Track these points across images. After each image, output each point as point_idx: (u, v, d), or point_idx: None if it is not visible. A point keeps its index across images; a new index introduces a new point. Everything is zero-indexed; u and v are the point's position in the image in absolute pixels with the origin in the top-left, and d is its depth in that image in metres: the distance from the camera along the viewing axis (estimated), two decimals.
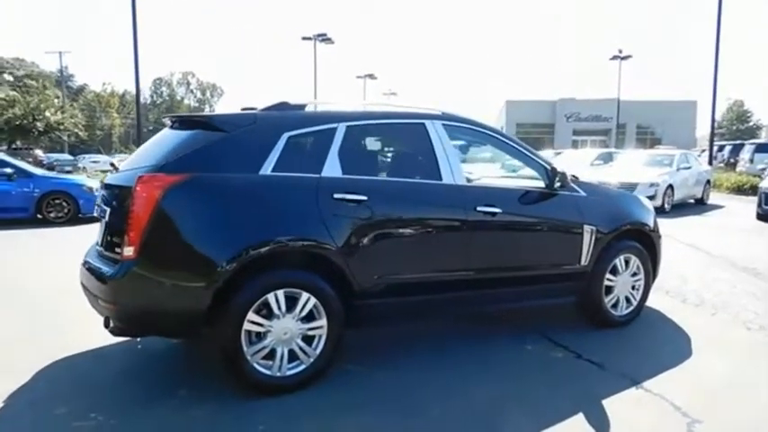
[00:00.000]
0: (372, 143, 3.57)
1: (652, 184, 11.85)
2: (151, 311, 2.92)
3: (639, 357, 3.76)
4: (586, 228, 4.08)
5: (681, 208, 12.92)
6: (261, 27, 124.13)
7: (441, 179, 3.59)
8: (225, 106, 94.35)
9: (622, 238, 4.34)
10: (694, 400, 3.11)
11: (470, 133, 4.03)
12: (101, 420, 2.82)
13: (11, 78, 57.15)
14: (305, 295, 3.11)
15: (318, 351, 3.19)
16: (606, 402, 3.08)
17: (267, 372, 3.06)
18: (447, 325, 4.34)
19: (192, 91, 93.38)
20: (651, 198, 11.70)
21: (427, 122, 3.68)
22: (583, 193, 4.17)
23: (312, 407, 2.98)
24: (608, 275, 4.26)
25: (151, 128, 77.97)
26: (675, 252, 7.54)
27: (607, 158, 16.03)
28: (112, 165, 11.59)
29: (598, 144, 43.41)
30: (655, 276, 4.60)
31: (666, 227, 10.59)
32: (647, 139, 45.39)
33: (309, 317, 3.16)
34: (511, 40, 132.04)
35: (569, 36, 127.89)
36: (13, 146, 32.45)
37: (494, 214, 3.69)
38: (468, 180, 3.76)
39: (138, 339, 3.83)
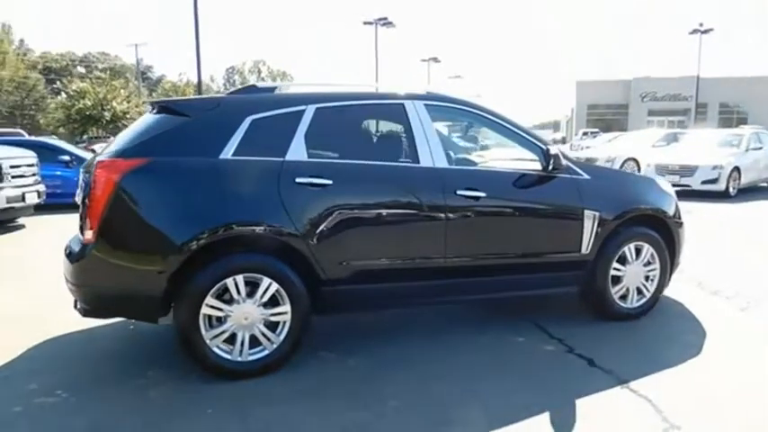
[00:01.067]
0: (344, 125, 3.43)
1: (715, 167, 10.95)
2: (110, 294, 2.97)
3: (637, 354, 3.46)
4: (587, 213, 3.79)
5: (750, 192, 11.90)
6: (325, 12, 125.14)
7: (418, 161, 3.43)
8: None
9: (632, 224, 4.00)
10: (682, 404, 2.82)
11: (457, 113, 3.82)
12: (63, 397, 2.91)
13: (83, 70, 61.01)
14: (266, 280, 3.07)
15: (282, 337, 3.14)
16: (581, 401, 2.86)
17: (228, 356, 3.05)
18: (439, 312, 4.20)
19: (263, 78, 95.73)
20: (713, 182, 10.88)
21: (407, 103, 3.52)
22: (585, 176, 3.87)
23: (268, 392, 2.94)
24: (615, 265, 3.94)
25: None
26: (723, 239, 6.97)
27: (671, 139, 14.94)
28: (93, 150, 11.90)
29: (676, 125, 40.81)
30: (673, 267, 4.22)
31: (725, 213, 9.98)
32: (733, 118, 42.14)
33: (273, 302, 3.12)
34: (580, 19, 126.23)
35: (644, 12, 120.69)
36: (90, 134, 34.76)
37: (477, 198, 3.49)
38: (467, 162, 3.58)
39: (133, 321, 3.94)
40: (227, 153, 3.07)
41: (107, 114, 35.66)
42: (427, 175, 3.41)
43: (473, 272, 3.57)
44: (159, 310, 2.98)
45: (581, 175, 3.86)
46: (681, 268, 4.48)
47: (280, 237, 3.08)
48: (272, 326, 3.14)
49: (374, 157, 3.40)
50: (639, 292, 4.09)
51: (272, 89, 3.45)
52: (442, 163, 3.48)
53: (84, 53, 71.54)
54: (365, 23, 35.43)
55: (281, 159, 3.14)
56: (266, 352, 3.13)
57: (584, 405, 2.82)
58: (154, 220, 2.93)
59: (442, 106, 3.69)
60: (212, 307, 2.99)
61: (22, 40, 66.62)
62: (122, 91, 39.51)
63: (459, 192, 3.43)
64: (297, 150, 3.19)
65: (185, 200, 2.97)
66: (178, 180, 2.99)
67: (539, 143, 3.79)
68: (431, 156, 3.45)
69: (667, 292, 4.37)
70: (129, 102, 37.01)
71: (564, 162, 3.67)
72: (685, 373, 3.21)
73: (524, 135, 3.82)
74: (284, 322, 3.14)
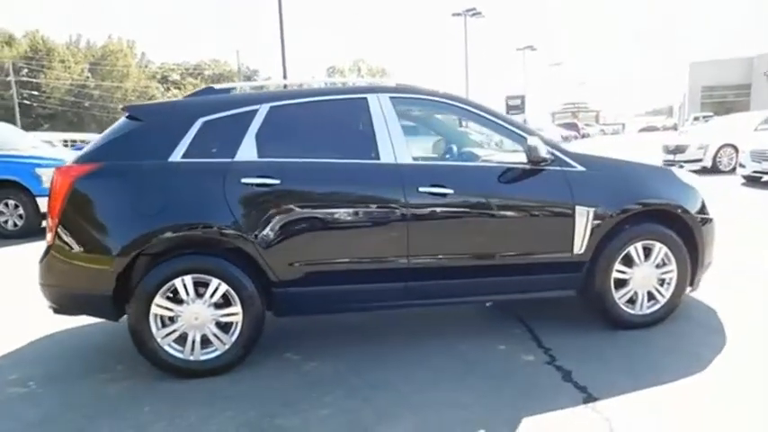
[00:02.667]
0: (301, 123, 3.34)
1: None
2: (69, 294, 3.11)
3: (627, 368, 3.06)
4: (579, 209, 3.42)
5: None
6: (417, 7, 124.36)
7: (378, 158, 3.27)
8: None
9: (639, 220, 3.57)
10: (650, 429, 2.46)
11: (428, 104, 3.59)
12: (32, 389, 3.09)
13: (177, 77, 65.66)
14: (215, 281, 3.07)
15: (234, 338, 3.13)
16: (530, 419, 2.58)
17: (180, 355, 3.09)
18: (430, 315, 3.99)
19: (362, 76, 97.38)
20: None
21: (370, 97, 3.36)
22: (579, 168, 3.49)
23: (210, 394, 2.93)
24: (618, 266, 3.53)
25: None
26: None
27: None
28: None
29: None
30: (698, 269, 3.70)
31: None
32: None
33: (226, 303, 3.12)
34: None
35: None
36: None
37: (444, 195, 3.26)
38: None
39: None
40: (177, 155, 3.10)
41: None
42: (386, 172, 3.24)
43: (442, 274, 3.34)
44: (114, 309, 3.08)
45: (574, 167, 3.49)
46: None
47: (225, 238, 3.07)
48: (225, 327, 3.14)
49: (332, 155, 3.28)
50: (652, 297, 3.64)
51: (229, 90, 3.45)
52: (404, 159, 3.29)
53: (197, 61, 76.79)
54: (454, 15, 34.91)
55: (230, 160, 3.13)
56: (218, 352, 3.13)
57: (530, 424, 2.55)
58: (102, 223, 3.03)
59: (410, 98, 3.50)
60: (162, 307, 3.04)
61: (143, 53, 72.81)
62: None
63: (421, 189, 3.23)
64: (247, 150, 3.16)
65: (132, 203, 3.04)
66: (126, 183, 3.06)
67: (522, 133, 3.48)
68: (393, 151, 3.27)
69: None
70: None
71: (543, 154, 3.32)
72: (675, 393, 2.79)
73: (505, 125, 3.52)
74: (236, 323, 3.13)
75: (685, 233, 3.64)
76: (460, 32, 35.22)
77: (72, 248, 3.04)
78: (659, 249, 3.58)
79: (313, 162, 3.21)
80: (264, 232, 3.09)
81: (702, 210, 3.71)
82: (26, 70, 56.88)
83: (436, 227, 3.30)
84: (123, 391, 3.01)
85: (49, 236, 3.08)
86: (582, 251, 3.45)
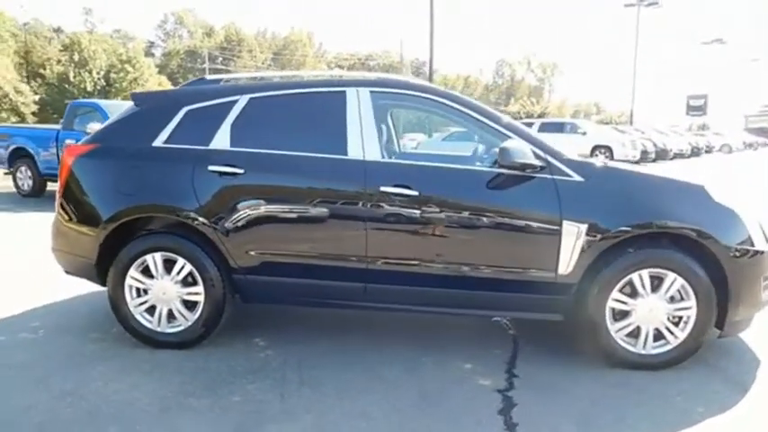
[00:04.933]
0: (277, 115, 3.33)
1: None
2: (68, 259, 3.51)
3: (583, 415, 2.65)
4: (568, 225, 3.00)
5: None
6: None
7: (346, 153, 3.18)
8: (564, 85, 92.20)
9: (648, 244, 3.04)
10: None
11: (411, 100, 3.35)
12: (39, 336, 3.56)
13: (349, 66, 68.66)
14: (181, 261, 3.25)
15: (197, 316, 3.30)
16: None
17: (149, 325, 3.33)
18: (421, 319, 3.80)
19: (532, 71, 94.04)
20: None
21: (349, 90, 3.27)
22: (576, 178, 3.06)
23: (156, 364, 3.11)
24: (617, 294, 3.05)
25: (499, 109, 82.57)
26: None
27: None
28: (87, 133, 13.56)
29: None
30: (731, 311, 3.05)
31: None
32: None
33: (192, 283, 3.29)
34: None
35: None
36: None
37: (408, 197, 3.08)
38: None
39: None
40: (159, 141, 3.32)
41: None
42: (350, 169, 3.14)
43: (404, 279, 3.16)
44: (100, 275, 3.42)
45: (569, 176, 3.07)
46: None
47: (190, 221, 3.22)
48: (190, 305, 3.32)
49: (303, 148, 3.24)
50: (661, 335, 3.09)
51: (218, 81, 3.58)
52: (373, 155, 3.16)
53: (368, 52, 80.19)
54: (627, 6, 32.11)
55: (204, 148, 3.27)
56: (181, 328, 3.31)
57: None
58: (89, 198, 3.35)
59: (392, 93, 3.34)
60: (135, 279, 3.29)
61: (321, 44, 77.87)
62: None
63: (383, 188, 3.08)
64: (221, 139, 3.27)
65: (116, 181, 3.31)
66: (113, 164, 3.35)
67: (508, 134, 3.14)
68: (362, 147, 3.17)
69: None
70: None
71: (519, 159, 2.96)
72: None
73: (490, 124, 3.20)
74: (199, 303, 3.29)
75: (714, 266, 3.02)
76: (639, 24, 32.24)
77: (69, 218, 3.43)
78: (673, 281, 3.02)
79: (278, 154, 3.23)
80: (225, 219, 3.19)
81: (743, 238, 3.04)
82: (221, 59, 64.03)
83: (397, 229, 3.13)
84: (97, 351, 3.33)
85: (56, 205, 3.51)
86: (569, 272, 3.04)
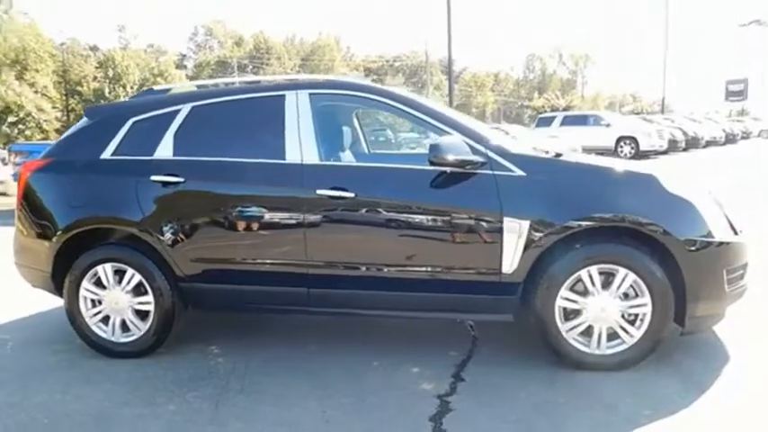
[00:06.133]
0: (217, 122, 3.31)
1: None
2: (28, 272, 3.57)
3: (522, 422, 2.55)
4: (509, 222, 2.90)
5: None
6: None
7: (284, 157, 3.15)
8: (596, 78, 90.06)
9: (596, 239, 2.91)
10: None
11: (351, 100, 3.30)
12: (6, 350, 3.66)
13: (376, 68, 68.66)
14: (130, 271, 3.28)
15: (148, 325, 3.32)
16: None
17: (104, 335, 3.36)
18: (380, 323, 3.73)
19: (563, 63, 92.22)
20: None
21: (288, 94, 3.24)
22: (517, 172, 2.95)
23: (104, 374, 3.14)
24: (566, 292, 2.93)
25: (519, 104, 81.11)
26: None
27: None
28: None
29: None
30: (686, 308, 2.89)
31: None
32: None
33: (143, 292, 3.32)
34: None
35: None
36: None
37: (344, 199, 3.03)
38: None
39: None
40: (107, 153, 3.36)
41: None
42: (288, 173, 3.11)
43: (345, 283, 3.11)
44: (58, 289, 3.47)
45: (511, 171, 2.96)
46: None
47: (135, 231, 3.25)
48: (142, 314, 3.34)
49: (243, 154, 3.22)
50: (616, 335, 2.95)
51: (166, 91, 3.60)
52: (311, 159, 3.12)
53: (396, 53, 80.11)
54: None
55: (148, 158, 3.29)
56: (134, 337, 3.34)
57: None
58: (43, 211, 3.41)
59: (331, 94, 3.29)
60: (88, 290, 3.34)
61: (348, 47, 78.28)
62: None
63: (319, 191, 3.04)
64: (164, 149, 3.29)
65: (66, 195, 3.37)
66: (64, 178, 3.41)
67: (447, 129, 3.05)
68: (299, 150, 3.13)
69: None
70: None
71: (450, 156, 2.87)
72: None
73: (432, 122, 3.11)
74: (150, 312, 3.31)
75: (668, 259, 2.86)
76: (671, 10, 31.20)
77: (26, 232, 3.50)
78: (624, 277, 2.88)
79: (216, 161, 3.22)
80: (168, 228, 3.20)
81: (700, 230, 2.88)
82: (251, 67, 65.09)
83: (335, 232, 3.09)
84: (55, 363, 3.37)
85: (15, 220, 3.59)
86: (513, 271, 2.93)
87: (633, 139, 18.37)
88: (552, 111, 23.79)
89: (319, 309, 3.20)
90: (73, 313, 3.37)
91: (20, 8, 36.12)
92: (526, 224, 2.89)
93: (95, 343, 3.38)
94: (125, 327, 3.36)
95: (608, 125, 19.11)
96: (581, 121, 19.82)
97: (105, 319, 3.37)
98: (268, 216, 3.13)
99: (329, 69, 68.02)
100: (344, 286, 3.11)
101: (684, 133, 21.43)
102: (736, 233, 3.07)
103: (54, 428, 2.63)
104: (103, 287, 3.33)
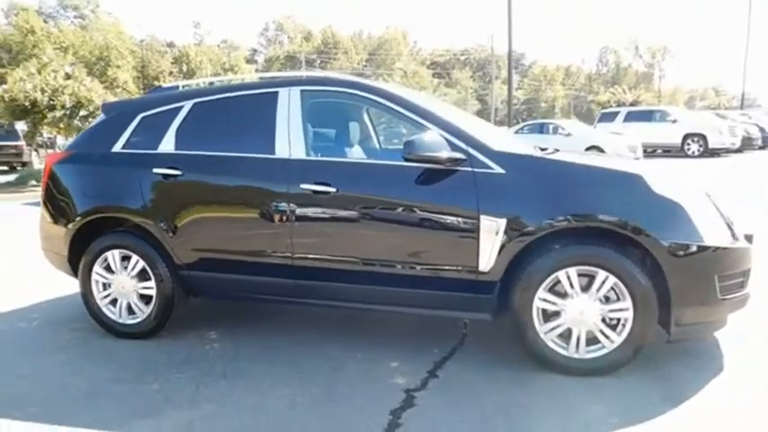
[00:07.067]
0: (216, 118, 3.44)
1: None
2: (51, 256, 3.87)
3: (491, 421, 2.55)
4: (486, 220, 2.88)
5: None
6: None
7: (274, 152, 3.26)
8: (675, 71, 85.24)
9: (575, 240, 2.84)
10: None
11: (342, 96, 3.33)
12: (32, 326, 3.97)
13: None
14: (135, 257, 3.51)
15: (150, 310, 3.53)
16: None
17: (113, 317, 3.61)
18: (372, 315, 3.78)
19: (639, 56, 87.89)
20: None
21: (281, 91, 3.34)
22: (497, 170, 2.92)
23: (104, 353, 3.39)
24: (544, 293, 2.88)
25: (590, 98, 78.15)
26: None
27: None
28: None
29: None
30: (671, 314, 2.77)
31: None
32: None
33: (147, 278, 3.53)
34: None
35: None
36: None
37: (327, 193, 3.10)
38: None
39: None
40: (117, 147, 3.59)
41: None
42: (276, 167, 3.22)
43: (327, 276, 3.18)
44: (74, 271, 3.75)
45: (490, 168, 2.94)
46: None
47: (138, 220, 3.46)
48: (147, 298, 3.56)
49: (237, 149, 3.35)
50: (596, 339, 2.87)
51: (175, 88, 3.78)
52: (300, 154, 3.21)
53: (463, 47, 79.17)
54: None
55: (152, 152, 3.49)
56: (138, 320, 3.56)
57: None
58: (62, 200, 3.69)
59: (321, 91, 3.35)
60: (99, 274, 3.59)
61: (415, 41, 78.02)
62: (433, 82, 41.01)
63: (303, 185, 3.13)
64: (167, 143, 3.48)
65: (80, 185, 3.63)
66: (79, 169, 3.67)
67: (428, 125, 3.05)
68: (288, 146, 3.23)
69: None
70: (435, 92, 37.85)
71: (423, 152, 2.87)
72: None
73: (413, 117, 3.12)
74: (152, 297, 3.53)
75: (653, 263, 2.76)
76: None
77: (48, 218, 3.80)
78: (604, 279, 2.80)
79: (212, 155, 3.37)
80: (167, 218, 3.39)
81: (689, 233, 2.75)
82: (318, 62, 66.23)
83: (317, 226, 3.16)
84: (71, 339, 3.65)
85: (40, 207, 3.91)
86: (489, 269, 2.91)
87: (702, 137, 17.34)
88: (618, 106, 22.73)
89: (303, 300, 3.30)
90: (86, 295, 3.64)
91: (105, 8, 38.45)
92: (503, 222, 2.86)
93: (105, 323, 3.63)
94: (131, 310, 3.59)
95: (674, 121, 18.13)
96: (646, 116, 18.88)
97: (114, 302, 3.62)
98: (256, 209, 3.26)
99: (395, 63, 68.07)
100: (326, 279, 3.19)
101: (762, 130, 19.99)
102: (735, 238, 2.90)
103: (48, 399, 2.86)
104: (112, 272, 3.57)
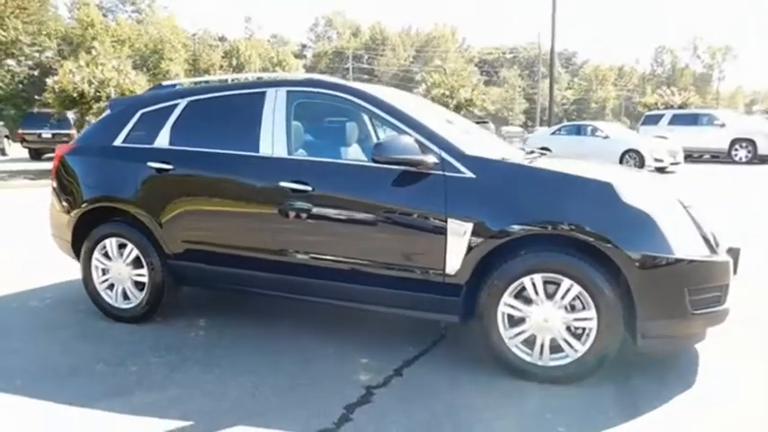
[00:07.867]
0: (208, 116, 3.57)
1: None
2: (59, 242, 4.12)
3: (436, 423, 2.59)
4: (453, 223, 2.90)
5: None
6: None
7: (258, 150, 3.37)
8: (736, 72, 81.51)
9: (541, 247, 2.83)
10: None
11: (321, 97, 3.37)
12: (45, 305, 4.24)
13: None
14: (129, 246, 3.69)
15: (142, 295, 3.72)
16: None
17: (110, 301, 3.82)
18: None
19: (698, 56, 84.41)
20: None
21: (269, 90, 3.45)
22: (467, 174, 2.94)
23: (97, 335, 3.58)
24: (509, 299, 2.88)
25: (636, 100, 75.82)
26: None
27: None
28: None
29: None
30: (636, 326, 2.74)
31: None
32: None
33: (140, 266, 3.72)
34: None
35: None
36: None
37: (304, 192, 3.18)
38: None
39: None
40: (118, 141, 3.79)
41: (452, 102, 36.49)
42: (258, 164, 3.32)
43: (304, 271, 3.27)
44: (78, 256, 3.98)
45: (461, 172, 2.96)
46: None
47: (133, 211, 3.64)
48: (141, 285, 3.74)
49: (225, 146, 3.48)
50: (560, 347, 2.86)
51: (174, 86, 3.94)
52: (280, 152, 3.31)
53: (512, 45, 77.89)
54: None
55: (148, 146, 3.66)
56: (132, 305, 3.76)
57: None
58: (66, 189, 3.92)
59: (305, 92, 3.43)
60: (98, 260, 3.80)
61: (464, 38, 77.34)
62: (474, 80, 38.89)
63: (282, 183, 3.22)
64: (162, 139, 3.65)
65: (84, 175, 3.84)
66: (84, 160, 3.89)
67: (404, 128, 3.10)
68: (271, 144, 3.34)
69: None
70: (474, 90, 35.65)
71: (392, 155, 2.91)
72: None
73: (391, 120, 3.17)
74: (145, 284, 3.71)
75: (616, 274, 2.73)
76: None
77: (56, 206, 4.04)
78: (568, 288, 2.79)
79: (200, 151, 3.51)
80: (159, 209, 3.56)
81: (657, 245, 2.70)
82: (366, 57, 66.53)
83: (293, 223, 3.25)
84: (69, 321, 3.86)
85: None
86: (455, 272, 2.94)
87: (751, 142, 16.57)
88: (666, 108, 21.97)
89: (278, 293, 3.41)
90: (86, 279, 3.86)
91: (161, 2, 39.80)
92: (469, 226, 2.87)
93: (102, 307, 3.84)
94: (126, 295, 3.79)
95: (722, 125, 17.36)
96: (691, 120, 18.18)
97: (111, 287, 3.82)
98: (239, 204, 3.39)
99: (443, 61, 67.72)
100: (301, 274, 3.28)
101: None
102: (713, 251, 2.83)
103: (34, 373, 3.06)
104: (110, 259, 3.77)
